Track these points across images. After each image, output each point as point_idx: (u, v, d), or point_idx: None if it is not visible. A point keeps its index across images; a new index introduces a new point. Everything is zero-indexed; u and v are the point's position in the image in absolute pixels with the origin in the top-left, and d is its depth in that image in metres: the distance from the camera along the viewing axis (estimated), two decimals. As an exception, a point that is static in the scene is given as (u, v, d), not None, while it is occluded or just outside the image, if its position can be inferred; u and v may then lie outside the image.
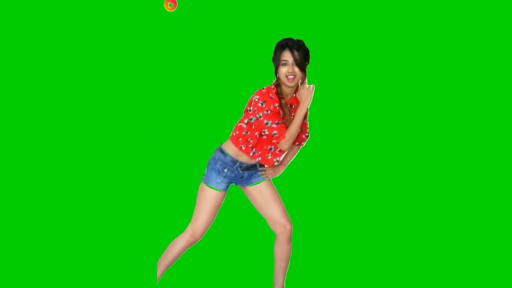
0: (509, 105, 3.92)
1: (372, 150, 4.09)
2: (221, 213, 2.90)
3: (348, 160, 4.10)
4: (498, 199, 3.88)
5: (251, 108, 2.65)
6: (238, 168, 2.75)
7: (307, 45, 2.69)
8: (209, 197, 2.76)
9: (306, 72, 2.68)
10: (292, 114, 2.71)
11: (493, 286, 3.17)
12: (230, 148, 2.75)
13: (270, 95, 2.62)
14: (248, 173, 2.78)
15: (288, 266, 2.89)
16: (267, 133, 2.64)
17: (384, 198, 4.03)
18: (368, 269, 3.40)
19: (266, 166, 2.83)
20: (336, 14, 3.93)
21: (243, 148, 2.72)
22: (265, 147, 2.72)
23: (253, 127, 2.67)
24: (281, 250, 2.84)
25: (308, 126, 2.87)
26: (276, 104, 2.62)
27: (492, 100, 3.96)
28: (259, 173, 2.81)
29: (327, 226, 3.92)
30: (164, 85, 3.94)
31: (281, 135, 2.62)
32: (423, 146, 4.05)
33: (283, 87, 2.68)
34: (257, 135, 2.69)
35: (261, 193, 2.82)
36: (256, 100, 2.62)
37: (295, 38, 2.67)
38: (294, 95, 2.72)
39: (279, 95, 2.66)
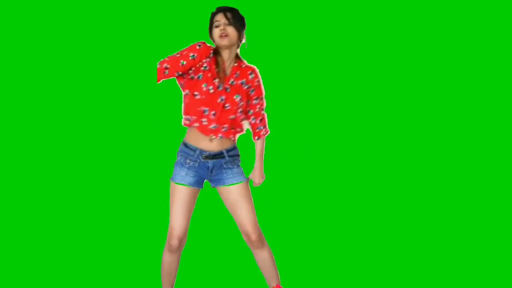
0: (509, 105, 3.93)
1: (367, 150, 4.07)
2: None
3: (343, 160, 4.08)
4: (497, 198, 3.89)
5: None
6: (199, 157, 2.57)
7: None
8: (176, 194, 2.59)
9: (243, 38, 2.57)
10: (232, 80, 2.55)
11: (493, 286, 3.17)
12: (187, 136, 2.61)
13: (199, 43, 2.49)
14: (215, 165, 2.59)
15: (277, 271, 2.72)
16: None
17: (381, 198, 4.02)
18: (364, 269, 3.40)
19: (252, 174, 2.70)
20: (332, 14, 3.92)
21: (184, 120, 2.59)
22: (198, 108, 2.56)
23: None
24: (257, 258, 2.68)
25: (266, 120, 2.71)
26: (199, 44, 2.48)
27: (491, 99, 3.97)
28: (228, 156, 2.59)
29: (321, 227, 3.90)
30: (164, 86, 3.91)
31: (163, 61, 2.46)
32: (419, 146, 4.05)
33: (221, 54, 2.55)
34: (188, 94, 2.56)
35: (230, 196, 2.62)
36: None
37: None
38: (233, 63, 2.57)
39: (215, 52, 2.55)
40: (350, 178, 4.06)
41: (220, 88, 2.53)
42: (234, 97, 2.55)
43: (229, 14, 2.51)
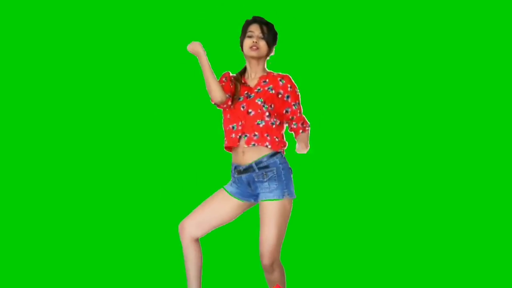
0: (509, 105, 3.91)
1: (368, 151, 4.07)
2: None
3: (344, 160, 4.07)
4: (497, 198, 3.87)
5: None
6: (235, 173, 2.54)
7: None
8: (216, 193, 2.61)
9: (272, 52, 2.57)
10: (249, 93, 2.51)
11: (493, 286, 3.15)
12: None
13: (225, 77, 2.55)
14: (249, 180, 2.50)
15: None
16: None
17: (381, 199, 4.01)
18: (363, 270, 3.39)
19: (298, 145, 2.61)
20: (332, 14, 3.92)
21: (226, 143, 2.56)
22: (227, 128, 2.54)
23: None
24: (266, 277, 2.52)
25: (303, 117, 2.65)
26: (224, 78, 2.53)
27: (491, 99, 3.95)
28: (258, 169, 2.47)
29: (323, 227, 3.90)
30: (167, 87, 3.93)
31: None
32: (419, 147, 4.04)
33: (247, 65, 2.57)
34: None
35: (264, 212, 2.44)
36: None
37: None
38: (261, 74, 2.56)
39: (237, 78, 2.55)
40: (349, 179, 4.06)
41: (241, 99, 2.50)
42: (256, 100, 2.48)
43: (265, 28, 2.50)
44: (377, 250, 3.66)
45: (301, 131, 2.62)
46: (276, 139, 2.47)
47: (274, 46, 2.56)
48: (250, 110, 2.47)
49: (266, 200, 2.42)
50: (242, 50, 2.54)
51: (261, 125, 2.45)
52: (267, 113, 2.46)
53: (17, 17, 3.73)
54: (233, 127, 2.49)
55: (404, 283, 3.21)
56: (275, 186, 2.42)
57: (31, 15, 3.75)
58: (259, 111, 2.45)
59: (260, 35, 2.48)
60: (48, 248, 3.54)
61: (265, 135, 2.45)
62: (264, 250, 2.41)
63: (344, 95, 4.00)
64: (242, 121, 2.47)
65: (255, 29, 2.49)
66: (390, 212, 3.94)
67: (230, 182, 2.58)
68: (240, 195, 2.53)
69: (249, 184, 2.50)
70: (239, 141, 2.47)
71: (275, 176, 2.43)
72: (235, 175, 2.52)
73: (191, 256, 2.55)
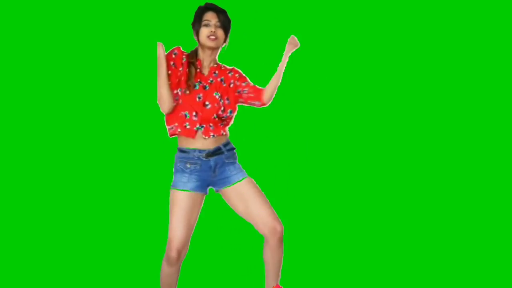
0: (509, 105, 3.92)
1: (366, 149, 4.07)
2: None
3: (343, 159, 4.08)
4: (497, 198, 3.88)
5: None
6: (200, 158, 2.43)
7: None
8: (176, 201, 2.40)
9: (228, 40, 2.49)
10: (203, 83, 2.46)
11: (493, 286, 3.17)
12: (180, 143, 2.50)
13: (175, 51, 2.44)
14: (217, 162, 2.47)
15: (280, 271, 2.56)
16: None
17: (379, 198, 4.02)
18: (362, 270, 3.40)
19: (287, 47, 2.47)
20: (331, 14, 3.92)
21: (169, 129, 2.47)
22: (179, 114, 2.45)
23: None
24: (271, 254, 2.47)
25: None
26: (175, 52, 2.43)
27: (491, 99, 3.96)
28: (227, 150, 2.48)
29: (321, 226, 3.91)
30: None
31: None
32: (419, 146, 4.05)
33: (200, 52, 2.48)
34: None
35: (241, 193, 2.45)
36: None
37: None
38: (212, 64, 2.50)
39: (191, 58, 2.46)
40: (348, 177, 4.06)
41: (197, 87, 2.44)
42: (214, 94, 2.45)
43: (221, 16, 2.42)
44: (374, 249, 3.67)
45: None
46: (226, 124, 2.52)
47: (228, 33, 2.47)
48: (207, 103, 2.44)
49: (242, 180, 2.46)
50: (197, 38, 2.45)
51: (216, 119, 2.45)
52: (222, 108, 2.46)
53: (17, 17, 3.74)
54: (185, 115, 2.43)
55: (403, 283, 3.23)
56: (240, 167, 2.51)
57: (30, 15, 3.75)
58: (215, 105, 2.44)
59: (218, 23, 2.41)
60: (48, 248, 3.52)
61: (220, 125, 2.46)
62: (273, 218, 2.42)
63: (341, 94, 4.01)
64: (198, 112, 2.42)
65: (211, 17, 2.41)
66: (388, 211, 3.96)
67: (182, 179, 2.42)
68: (200, 187, 2.43)
69: (214, 169, 2.46)
70: (196, 133, 2.42)
71: (236, 157, 2.53)
72: (202, 158, 2.43)
73: (177, 277, 2.48)
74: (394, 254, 3.54)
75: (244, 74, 2.56)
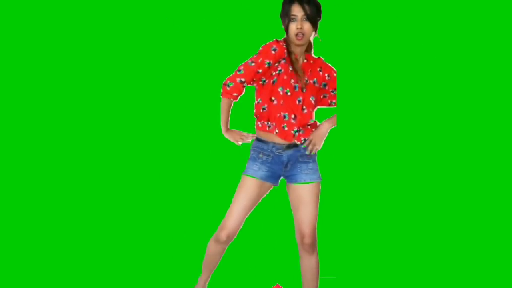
0: (509, 105, 3.91)
1: (366, 149, 4.06)
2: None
3: (345, 160, 4.07)
4: (500, 201, 3.86)
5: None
6: (274, 151, 2.43)
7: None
8: (244, 185, 2.43)
9: (318, 28, 2.43)
10: (306, 78, 2.44)
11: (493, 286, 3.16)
12: (258, 132, 2.50)
13: (274, 46, 2.36)
14: (290, 158, 2.45)
15: (317, 283, 2.58)
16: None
17: (383, 200, 4.01)
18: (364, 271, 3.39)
19: (308, 138, 2.50)
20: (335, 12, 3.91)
21: (261, 125, 2.46)
22: (277, 115, 2.44)
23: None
24: (303, 263, 2.54)
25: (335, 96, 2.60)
26: (274, 47, 2.35)
27: (492, 100, 3.95)
28: (304, 148, 2.47)
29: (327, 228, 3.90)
30: (174, 83, 3.92)
31: (237, 74, 2.36)
32: (421, 148, 4.04)
33: (292, 46, 2.41)
34: (262, 101, 2.44)
35: (300, 195, 2.48)
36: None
37: None
38: (303, 59, 2.47)
39: (288, 50, 2.39)
40: (349, 176, 4.05)
41: (297, 89, 2.43)
42: (310, 98, 2.46)
43: (307, 8, 2.34)
44: (377, 249, 3.65)
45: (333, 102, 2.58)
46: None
47: (319, 22, 2.40)
48: (304, 107, 2.45)
49: (310, 182, 2.47)
50: (287, 35, 2.39)
51: (309, 123, 2.49)
52: (313, 111, 2.52)
53: (17, 17, 3.73)
54: (284, 116, 2.43)
55: (402, 283, 3.22)
56: (316, 168, 2.51)
57: (30, 14, 3.75)
58: (311, 110, 2.48)
59: (304, 16, 2.34)
60: (48, 248, 3.53)
61: (308, 126, 2.49)
62: (307, 229, 2.46)
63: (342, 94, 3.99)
64: (297, 116, 2.44)
65: (297, 11, 2.34)
66: (388, 211, 3.95)
67: (253, 166, 2.45)
68: (271, 178, 2.46)
69: (286, 164, 2.47)
70: (293, 136, 2.45)
71: (315, 158, 2.52)
72: (275, 152, 2.43)
73: (220, 257, 2.54)
74: (390, 254, 3.53)
75: (333, 72, 2.54)
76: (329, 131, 2.53)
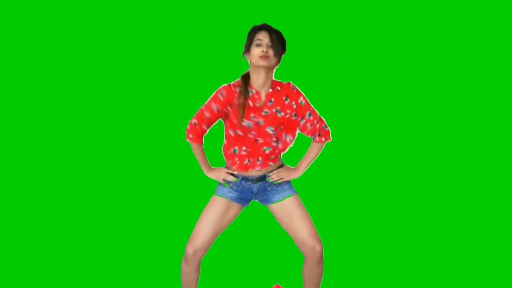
0: (509, 105, 3.92)
1: (366, 149, 4.07)
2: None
3: (345, 161, 4.08)
4: (501, 200, 3.88)
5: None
6: (243, 183, 2.49)
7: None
8: (212, 203, 2.48)
9: (280, 62, 2.40)
10: (257, 118, 2.39)
11: (493, 286, 3.16)
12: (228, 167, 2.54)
13: (223, 91, 2.36)
14: (259, 189, 2.49)
15: (319, 286, 2.58)
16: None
17: (383, 200, 4.02)
18: (365, 271, 3.39)
19: (278, 169, 2.52)
20: (330, 14, 3.93)
21: (237, 163, 2.48)
22: (228, 152, 2.48)
23: None
24: (309, 272, 2.52)
25: (323, 123, 2.51)
26: (222, 93, 2.34)
27: (492, 100, 3.96)
28: (269, 177, 2.48)
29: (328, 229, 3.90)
30: (171, 88, 3.93)
31: (194, 117, 2.41)
32: (421, 147, 4.05)
33: (253, 75, 2.38)
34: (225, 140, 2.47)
35: (285, 211, 2.48)
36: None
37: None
38: (267, 89, 2.40)
39: (243, 91, 2.36)
40: (348, 177, 4.07)
41: (250, 125, 2.39)
42: (266, 129, 2.41)
43: (274, 36, 2.33)
44: (375, 249, 3.66)
45: (318, 137, 2.48)
46: (279, 155, 2.49)
47: (283, 56, 2.40)
48: (258, 139, 2.42)
49: (285, 198, 2.47)
50: (248, 59, 2.38)
51: (267, 152, 2.45)
52: (274, 139, 2.45)
53: (17, 17, 3.73)
54: (234, 151, 2.45)
55: (401, 283, 3.22)
56: (287, 186, 2.51)
57: (30, 14, 3.75)
58: (268, 139, 2.43)
59: (269, 43, 2.32)
60: (48, 249, 3.53)
61: (270, 157, 2.47)
62: (311, 239, 2.43)
63: (342, 96, 4.02)
64: (248, 148, 2.43)
65: (263, 37, 2.33)
66: (388, 212, 3.95)
67: (224, 189, 2.48)
68: (241, 200, 2.49)
69: (256, 193, 2.50)
70: (248, 167, 2.45)
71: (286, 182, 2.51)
72: (245, 185, 2.47)
73: (195, 276, 2.51)
74: (390, 254, 3.54)
75: (303, 101, 2.45)
76: (305, 170, 2.53)
